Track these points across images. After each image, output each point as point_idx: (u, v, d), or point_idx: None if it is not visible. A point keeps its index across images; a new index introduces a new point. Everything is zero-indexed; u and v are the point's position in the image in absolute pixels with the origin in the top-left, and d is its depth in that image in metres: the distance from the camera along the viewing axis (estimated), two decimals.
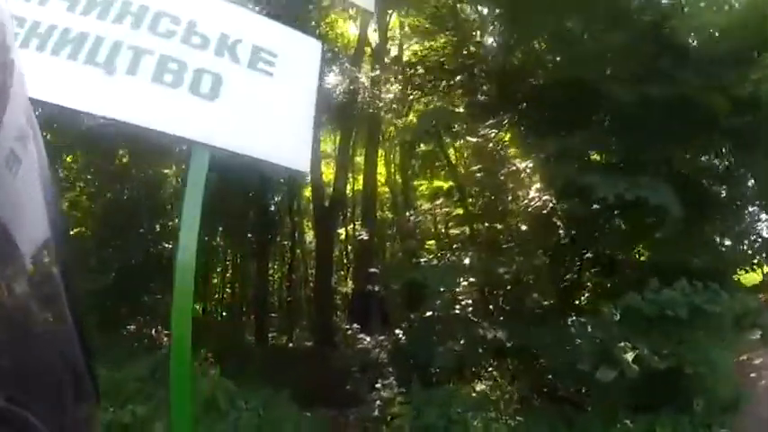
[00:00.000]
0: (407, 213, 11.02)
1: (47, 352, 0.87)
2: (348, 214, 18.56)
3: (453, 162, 10.05)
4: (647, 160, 7.34)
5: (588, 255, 8.08)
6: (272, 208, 18.37)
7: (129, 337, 11.57)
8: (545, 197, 7.77)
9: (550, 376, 7.87)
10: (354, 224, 18.06)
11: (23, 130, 0.80)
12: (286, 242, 18.63)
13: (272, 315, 20.13)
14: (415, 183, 14.86)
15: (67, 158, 12.48)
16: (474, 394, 8.71)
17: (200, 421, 7.48)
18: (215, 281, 18.19)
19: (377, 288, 11.22)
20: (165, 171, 14.52)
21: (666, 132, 7.40)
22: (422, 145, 9.40)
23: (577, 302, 7.96)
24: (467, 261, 8.06)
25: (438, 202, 10.45)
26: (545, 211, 7.92)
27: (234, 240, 17.34)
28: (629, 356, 6.46)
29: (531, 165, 7.93)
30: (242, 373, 10.35)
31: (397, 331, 10.28)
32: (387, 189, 17.19)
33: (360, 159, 16.58)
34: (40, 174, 0.84)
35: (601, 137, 7.45)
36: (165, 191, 14.67)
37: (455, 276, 7.75)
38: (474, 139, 9.35)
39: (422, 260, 10.00)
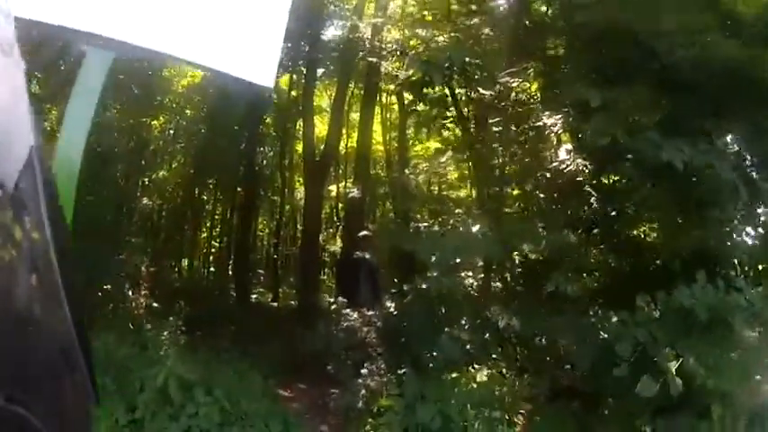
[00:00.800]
0: (405, 170, 9.16)
1: (46, 351, 0.85)
2: (341, 171, 16.87)
3: (465, 114, 8.22)
4: (700, 129, 5.61)
5: (627, 234, 6.41)
6: (264, 162, 16.81)
7: None
8: (578, 160, 6.05)
9: (565, 368, 6.24)
10: (346, 182, 16.33)
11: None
12: (276, 197, 16.95)
13: (260, 271, 18.69)
14: (415, 138, 13.00)
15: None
16: (475, 385, 7.10)
17: (149, 418, 5.87)
18: (203, 235, 16.49)
19: (367, 255, 9.52)
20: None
21: (722, 102, 5.74)
22: (428, 90, 7.57)
23: (607, 291, 6.29)
24: (475, 229, 6.31)
25: (443, 159, 8.65)
26: (578, 179, 6.20)
27: (223, 195, 15.77)
28: (673, 366, 4.83)
29: (561, 121, 6.17)
30: (218, 339, 8.78)
31: (388, 304, 8.62)
32: (382, 148, 15.41)
33: (356, 116, 14.76)
34: (39, 170, 0.81)
35: (649, 96, 5.70)
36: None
37: (459, 248, 6.04)
38: (487, 93, 7.52)
39: (421, 225, 8.23)
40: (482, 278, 6.83)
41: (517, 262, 6.44)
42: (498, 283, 6.84)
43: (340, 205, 17.05)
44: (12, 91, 0.76)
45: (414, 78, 7.08)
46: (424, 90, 7.35)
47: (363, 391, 7.19)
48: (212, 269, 16.26)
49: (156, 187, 13.46)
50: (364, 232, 10.72)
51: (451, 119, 8.08)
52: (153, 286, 11.28)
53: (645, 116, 5.53)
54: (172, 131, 13.75)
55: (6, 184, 0.73)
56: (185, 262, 15.48)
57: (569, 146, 6.34)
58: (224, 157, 14.05)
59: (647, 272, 6.11)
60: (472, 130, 7.94)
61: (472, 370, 7.11)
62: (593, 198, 6.10)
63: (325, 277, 16.76)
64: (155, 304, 10.64)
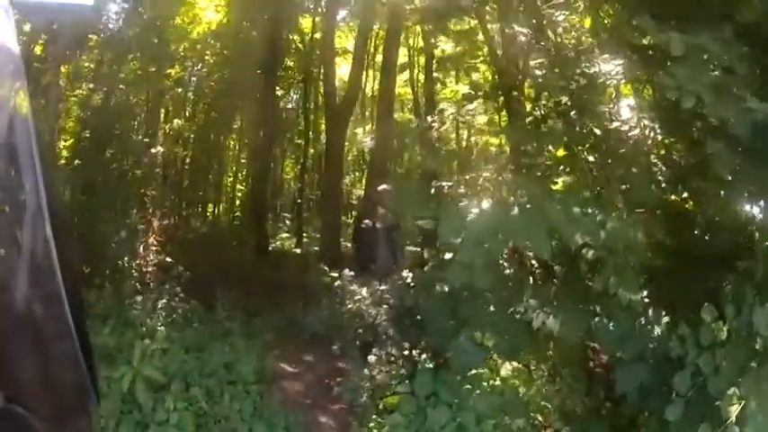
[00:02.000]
0: (429, 118, 7.32)
1: (47, 352, 0.85)
2: (367, 114, 15.12)
3: (498, 53, 6.28)
4: None
5: (704, 225, 4.51)
6: (288, 106, 15.21)
7: None
8: (644, 121, 4.20)
9: (608, 381, 4.60)
10: (373, 125, 14.59)
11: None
12: (300, 141, 15.38)
13: (285, 215, 17.38)
14: (443, 81, 10.96)
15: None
16: (497, 381, 5.58)
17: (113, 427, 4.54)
18: (227, 182, 15.08)
19: (387, 212, 7.94)
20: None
21: None
22: (454, 25, 5.73)
23: (669, 295, 4.48)
24: (515, 209, 4.53)
25: (471, 106, 6.81)
26: (646, 147, 4.33)
27: (245, 140, 14.24)
28: (734, 411, 3.20)
29: (622, 69, 4.26)
30: (222, 302, 7.43)
31: (405, 277, 7.04)
32: (409, 91, 13.54)
33: (380, 59, 12.90)
34: (39, 170, 0.80)
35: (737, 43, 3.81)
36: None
37: (490, 229, 4.33)
38: (526, 29, 5.57)
39: (444, 184, 6.48)
40: (516, 266, 5.14)
41: (561, 255, 4.68)
42: (535, 273, 5.13)
43: (365, 149, 15.42)
44: (11, 89, 0.78)
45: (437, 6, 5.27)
46: (450, 22, 5.52)
47: (369, 383, 5.75)
48: (235, 217, 14.89)
49: (176, 136, 12.05)
50: (384, 186, 9.09)
51: (482, 58, 6.21)
52: (165, 240, 10.02)
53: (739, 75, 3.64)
54: (193, 79, 12.19)
55: (7, 183, 0.75)
56: (208, 210, 14.18)
57: (631, 101, 4.49)
58: (245, 103, 12.60)
59: (721, 277, 4.35)
60: (506, 72, 6.08)
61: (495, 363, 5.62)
62: (661, 173, 4.27)
63: (351, 220, 15.42)
64: (167, 259, 9.44)
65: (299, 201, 15.77)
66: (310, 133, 14.82)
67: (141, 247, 8.56)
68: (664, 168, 4.29)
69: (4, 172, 0.80)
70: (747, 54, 3.74)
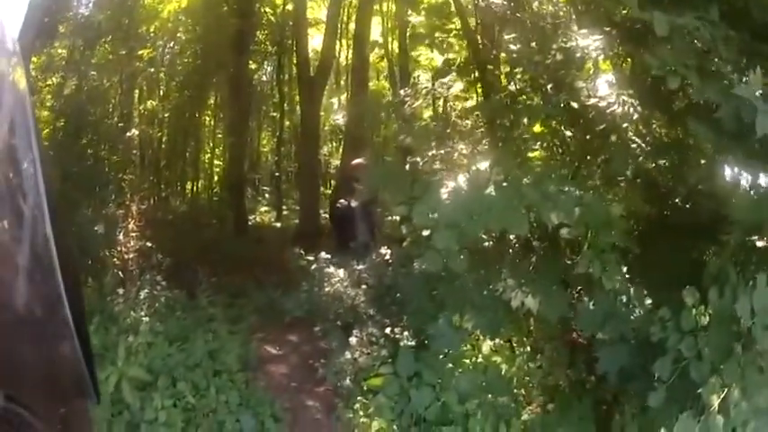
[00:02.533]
0: (402, 92, 7.04)
1: (46, 351, 0.84)
2: (342, 83, 14.73)
3: (471, 26, 5.98)
4: None
5: (686, 206, 4.35)
6: (262, 79, 14.77)
7: None
8: (623, 97, 4.00)
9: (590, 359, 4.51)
10: (349, 94, 14.23)
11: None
12: (276, 114, 14.99)
13: (264, 188, 17.10)
14: (414, 52, 10.58)
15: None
16: (480, 359, 5.49)
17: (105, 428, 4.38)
18: (204, 159, 14.69)
19: (362, 187, 7.70)
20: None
21: None
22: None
23: (651, 276, 4.34)
24: (491, 187, 4.33)
25: (445, 80, 6.56)
26: (624, 125, 4.14)
27: (220, 116, 13.83)
28: (715, 400, 3.12)
29: (600, 44, 4.01)
30: (203, 288, 7.24)
31: (383, 254, 6.87)
32: (382, 60, 13.15)
33: (353, 27, 12.47)
34: (40, 170, 0.80)
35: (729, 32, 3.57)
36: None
37: (466, 211, 4.14)
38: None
39: (419, 160, 6.28)
40: (493, 245, 4.98)
41: (539, 233, 4.53)
42: (513, 251, 4.98)
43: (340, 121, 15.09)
44: (13, 91, 0.78)
45: None
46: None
47: (351, 366, 5.63)
48: (214, 193, 14.57)
49: (150, 117, 11.64)
50: (359, 160, 8.84)
51: (455, 32, 5.94)
52: (145, 224, 9.74)
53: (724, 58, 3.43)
54: (166, 57, 11.71)
55: (8, 183, 0.73)
56: (187, 189, 13.83)
57: (610, 77, 4.26)
58: (218, 78, 12.19)
59: (703, 248, 4.22)
60: (481, 46, 5.82)
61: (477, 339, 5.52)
62: (640, 148, 4.09)
63: (330, 191, 15.22)
64: (148, 243, 9.19)
65: (276, 174, 15.48)
66: (285, 105, 14.44)
67: (121, 234, 8.32)
68: (642, 143, 4.11)
69: (4, 172, 0.80)
70: (734, 37, 3.55)
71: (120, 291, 6.08)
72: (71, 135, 7.74)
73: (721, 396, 3.00)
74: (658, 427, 3.11)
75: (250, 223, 13.24)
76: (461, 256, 4.17)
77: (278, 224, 14.45)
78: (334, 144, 15.95)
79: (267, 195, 16.59)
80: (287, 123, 14.94)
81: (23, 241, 0.81)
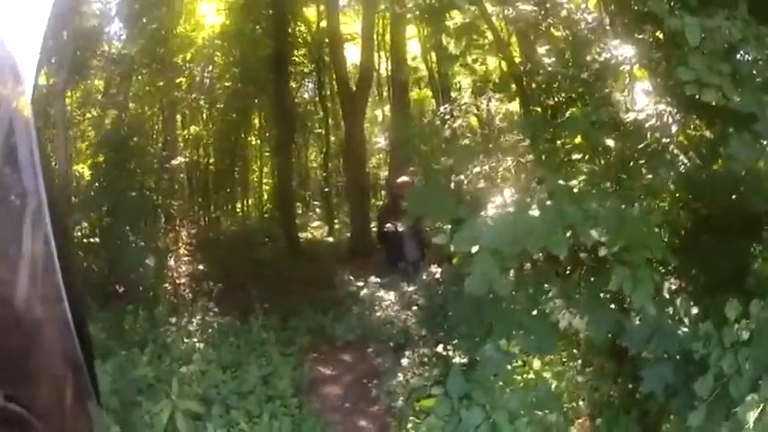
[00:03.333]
0: (443, 108, 7.15)
1: (47, 352, 0.86)
2: (383, 96, 14.96)
3: (505, 40, 6.03)
4: None
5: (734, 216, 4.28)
6: (306, 96, 15.18)
7: None
8: (662, 106, 3.98)
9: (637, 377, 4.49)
10: (390, 105, 14.40)
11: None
12: (321, 130, 15.37)
13: (315, 203, 17.48)
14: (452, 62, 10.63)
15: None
16: (531, 375, 5.55)
17: None
18: (255, 175, 15.19)
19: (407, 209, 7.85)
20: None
21: None
22: (455, 16, 5.51)
23: (696, 287, 4.30)
24: (534, 207, 4.40)
25: (483, 97, 6.65)
26: (664, 139, 4.13)
27: (265, 137, 14.30)
28: (751, 417, 3.08)
29: (636, 55, 4.06)
30: (255, 311, 7.53)
31: (434, 273, 6.98)
32: (425, 68, 13.29)
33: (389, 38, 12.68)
34: (40, 170, 0.81)
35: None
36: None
37: (508, 237, 4.21)
38: (529, 8, 5.33)
39: (464, 178, 6.38)
40: (537, 265, 5.04)
41: (582, 251, 4.56)
42: (558, 271, 5.02)
43: (386, 132, 15.32)
44: (13, 93, 0.78)
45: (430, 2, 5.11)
46: (447, 16, 5.36)
47: (403, 388, 5.79)
48: (264, 211, 15.02)
49: (195, 142, 12.16)
50: (404, 178, 9.01)
51: (487, 46, 6.02)
52: (195, 248, 10.17)
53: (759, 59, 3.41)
54: (205, 83, 12.22)
55: (8, 184, 0.75)
56: (237, 209, 14.33)
57: (647, 85, 4.27)
58: (260, 99, 12.64)
59: (748, 247, 4.16)
60: (516, 60, 5.89)
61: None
62: (681, 162, 4.08)
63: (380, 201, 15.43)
64: (200, 267, 9.59)
65: (326, 189, 15.83)
66: (330, 120, 14.79)
67: (172, 260, 8.72)
68: (683, 154, 4.10)
69: (4, 172, 0.81)
70: (765, 33, 3.53)
71: (173, 319, 6.45)
72: (114, 167, 8.02)
73: (756, 413, 2.99)
74: None
75: (302, 239, 13.60)
76: (505, 279, 4.27)
77: (330, 239, 14.74)
78: (382, 156, 16.15)
79: (318, 210, 16.94)
80: (332, 138, 15.26)
81: (23, 241, 0.83)
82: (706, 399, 3.26)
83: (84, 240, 7.68)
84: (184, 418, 4.69)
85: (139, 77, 9.50)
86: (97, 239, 7.74)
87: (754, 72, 3.39)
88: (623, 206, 4.15)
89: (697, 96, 3.35)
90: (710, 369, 3.30)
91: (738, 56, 3.36)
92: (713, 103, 3.45)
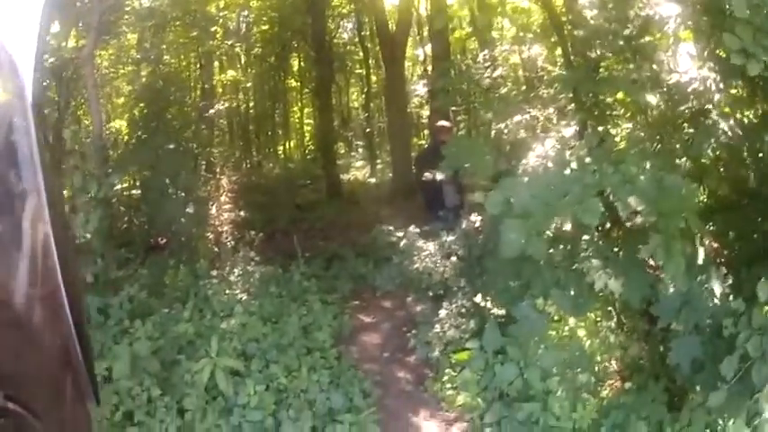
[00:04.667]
0: (481, 57, 6.93)
1: (46, 352, 0.87)
2: (424, 36, 14.56)
3: None
4: None
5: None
6: (345, 36, 14.93)
7: None
8: (706, 73, 3.78)
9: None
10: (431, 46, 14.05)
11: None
12: (362, 70, 15.18)
13: (358, 143, 17.48)
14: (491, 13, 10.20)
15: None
16: (566, 332, 5.62)
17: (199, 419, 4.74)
18: (296, 118, 15.20)
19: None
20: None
21: None
22: None
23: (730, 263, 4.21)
24: (572, 165, 4.34)
25: (525, 46, 6.39)
26: (707, 105, 3.91)
27: (308, 75, 14.19)
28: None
29: (680, 15, 3.79)
30: (295, 258, 7.73)
31: (473, 222, 6.95)
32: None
33: None
34: (40, 171, 0.82)
35: None
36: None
37: (542, 201, 4.16)
38: None
39: (504, 130, 6.28)
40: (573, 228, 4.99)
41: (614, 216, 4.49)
42: (594, 234, 4.96)
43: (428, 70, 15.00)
44: (13, 92, 0.78)
45: None
46: None
47: (439, 340, 5.95)
48: (307, 152, 15.12)
49: (233, 87, 12.17)
50: (444, 123, 8.91)
51: None
52: (238, 194, 10.38)
53: None
54: (242, 30, 12.09)
55: (9, 184, 0.75)
56: (279, 152, 14.47)
57: (692, 48, 4.06)
58: (297, 42, 12.49)
59: None
60: (558, 10, 5.64)
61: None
62: (723, 132, 3.91)
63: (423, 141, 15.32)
64: (242, 213, 9.79)
65: (368, 129, 15.80)
66: (370, 61, 14.57)
67: (214, 208, 8.92)
68: (725, 124, 3.93)
69: (4, 172, 0.81)
70: None
71: (214, 272, 6.59)
72: (152, 119, 8.00)
73: None
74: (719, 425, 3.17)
75: (345, 181, 13.72)
76: (538, 242, 4.26)
77: (372, 180, 14.83)
78: (424, 96, 15.93)
79: (360, 151, 16.98)
80: (374, 79, 15.08)
81: (23, 241, 0.83)
82: (729, 380, 3.27)
83: (124, 195, 7.80)
84: (225, 376, 4.85)
85: (173, 30, 9.43)
86: (138, 193, 7.89)
87: None
88: (662, 172, 4.05)
89: (742, 66, 3.20)
90: (737, 350, 3.29)
91: None
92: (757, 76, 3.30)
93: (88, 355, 0.99)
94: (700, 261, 3.87)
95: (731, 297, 3.78)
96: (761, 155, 3.75)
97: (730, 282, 3.98)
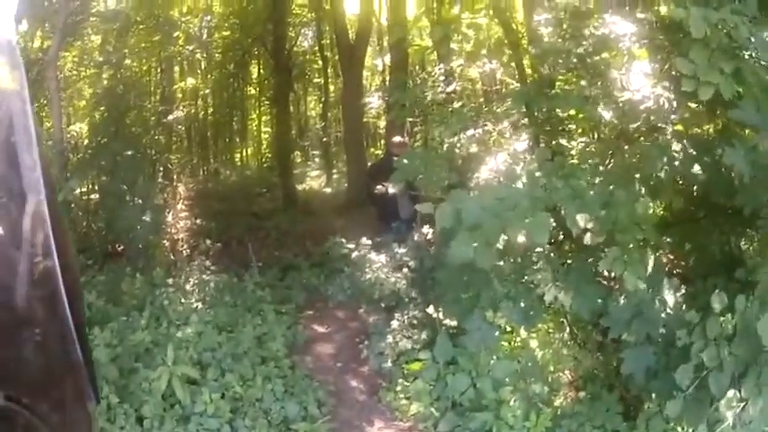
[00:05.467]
0: (438, 69, 6.91)
1: (47, 352, 0.84)
2: (384, 46, 14.54)
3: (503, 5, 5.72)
4: None
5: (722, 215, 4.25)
6: (305, 44, 14.77)
7: None
8: (660, 91, 3.82)
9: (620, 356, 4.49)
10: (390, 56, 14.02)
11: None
12: (320, 80, 15.04)
13: (314, 153, 17.32)
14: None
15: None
16: (518, 343, 5.60)
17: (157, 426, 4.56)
18: (254, 126, 14.92)
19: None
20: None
21: None
22: None
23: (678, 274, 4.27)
24: (522, 179, 4.33)
25: (481, 61, 6.40)
26: (659, 124, 3.96)
27: (263, 87, 13.96)
28: (730, 415, 3.10)
29: (635, 35, 3.86)
30: (250, 266, 7.57)
31: (425, 234, 6.89)
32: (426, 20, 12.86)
33: None
34: (41, 171, 0.83)
35: None
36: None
37: (492, 212, 4.09)
38: None
39: (457, 142, 6.25)
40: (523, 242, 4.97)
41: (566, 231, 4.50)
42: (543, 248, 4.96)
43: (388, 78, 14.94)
44: (13, 92, 0.77)
45: None
46: None
47: (392, 350, 5.86)
48: (263, 160, 14.86)
49: (193, 94, 11.89)
50: (398, 138, 8.86)
51: (484, 12, 5.78)
52: (194, 202, 10.12)
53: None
54: (203, 35, 11.83)
55: (9, 185, 0.74)
56: (236, 160, 14.19)
57: (646, 66, 4.09)
58: (257, 49, 12.28)
59: (740, 234, 4.10)
60: (512, 29, 5.65)
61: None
62: (678, 154, 3.95)
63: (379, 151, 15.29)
64: (198, 221, 9.56)
65: (324, 139, 15.65)
66: (329, 70, 14.44)
67: (170, 215, 8.68)
68: (678, 143, 3.96)
69: (4, 172, 0.81)
70: None
71: (170, 280, 6.43)
72: (111, 124, 7.82)
73: (737, 411, 3.00)
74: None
75: (301, 190, 13.53)
76: (487, 254, 4.19)
77: (328, 189, 14.70)
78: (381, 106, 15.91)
79: (317, 160, 16.83)
80: (331, 88, 14.96)
81: (24, 243, 0.84)
82: (686, 389, 3.26)
83: (83, 199, 7.57)
84: (181, 384, 4.73)
85: (136, 33, 9.17)
86: (96, 198, 7.65)
87: (759, 74, 3.21)
88: (612, 187, 4.04)
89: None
90: (692, 359, 3.29)
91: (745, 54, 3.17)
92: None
93: (88, 355, 1.01)
94: (650, 272, 3.86)
95: (684, 308, 3.78)
96: (717, 169, 3.77)
97: (683, 292, 4.00)
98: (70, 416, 0.97)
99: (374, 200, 7.82)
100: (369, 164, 12.16)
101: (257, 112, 14.54)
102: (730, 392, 3.08)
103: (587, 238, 3.89)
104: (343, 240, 7.18)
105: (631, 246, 3.85)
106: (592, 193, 4.04)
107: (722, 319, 3.35)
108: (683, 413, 3.28)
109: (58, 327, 0.93)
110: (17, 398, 0.84)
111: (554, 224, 4.08)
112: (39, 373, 0.91)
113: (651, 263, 4.00)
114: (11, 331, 0.85)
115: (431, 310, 6.06)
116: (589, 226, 3.94)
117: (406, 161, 5.74)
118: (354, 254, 6.66)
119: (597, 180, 4.24)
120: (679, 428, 3.38)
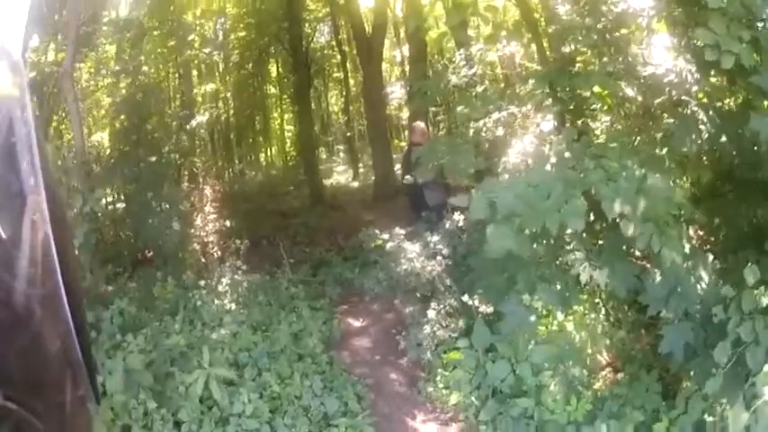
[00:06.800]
0: (458, 55, 6.90)
1: (46, 352, 0.87)
2: (401, 37, 14.55)
3: None
4: None
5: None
6: (322, 40, 14.87)
7: None
8: (682, 64, 3.81)
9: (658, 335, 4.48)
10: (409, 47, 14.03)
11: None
12: (339, 74, 15.13)
13: (339, 147, 17.44)
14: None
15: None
16: (555, 327, 5.61)
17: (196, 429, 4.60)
18: (277, 125, 15.07)
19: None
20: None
21: None
22: None
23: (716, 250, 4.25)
24: (552, 162, 4.34)
25: (500, 45, 6.38)
26: (683, 96, 3.98)
27: (286, 81, 14.08)
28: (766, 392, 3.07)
29: (654, 8, 3.89)
30: (282, 265, 7.68)
31: (457, 221, 6.90)
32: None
33: None
34: (41, 171, 0.82)
35: None
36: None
37: (522, 203, 4.11)
38: None
39: (483, 130, 6.26)
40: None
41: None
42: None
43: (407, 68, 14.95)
44: (13, 94, 0.78)
45: None
46: None
47: (430, 340, 5.91)
48: (288, 160, 14.99)
49: (212, 97, 12.06)
50: (416, 124, 8.88)
51: None
52: (222, 204, 10.25)
53: None
54: (219, 37, 11.98)
55: (9, 185, 0.75)
56: (261, 160, 14.36)
57: (666, 40, 4.07)
58: (275, 47, 12.40)
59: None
60: (531, 7, 5.64)
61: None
62: (703, 123, 3.92)
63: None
64: (226, 222, 9.70)
65: (348, 133, 15.74)
66: (348, 64, 14.51)
67: (198, 219, 8.81)
68: (704, 114, 3.93)
69: (4, 172, 0.81)
70: None
71: (202, 282, 6.48)
72: (132, 132, 7.88)
73: None
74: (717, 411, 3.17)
75: (327, 185, 13.64)
76: (523, 240, 4.22)
77: (355, 183, 14.76)
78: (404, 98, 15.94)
79: (342, 155, 16.92)
80: (351, 82, 15.03)
81: (23, 241, 0.83)
82: (723, 366, 3.26)
83: (109, 208, 7.74)
84: (218, 386, 4.81)
85: (151, 40, 9.33)
86: (122, 207, 7.83)
87: None
88: (644, 170, 4.02)
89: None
90: (729, 335, 3.29)
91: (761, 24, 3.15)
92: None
93: (88, 355, 0.99)
94: (686, 249, 3.86)
95: (720, 283, 3.77)
96: (742, 142, 3.74)
97: (718, 268, 3.98)
98: (70, 416, 0.94)
99: (406, 188, 7.87)
100: (394, 156, 12.23)
101: (279, 110, 14.70)
102: (766, 367, 3.06)
103: (622, 224, 3.89)
104: (376, 231, 7.24)
105: (667, 222, 3.85)
106: (624, 174, 4.04)
107: (755, 292, 3.33)
108: (723, 391, 3.28)
109: (58, 327, 0.90)
110: (16, 398, 0.80)
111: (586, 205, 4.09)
112: (39, 374, 0.88)
113: (683, 238, 4.00)
114: (10, 331, 0.82)
115: (466, 297, 6.08)
116: (625, 211, 3.94)
117: (428, 148, 5.80)
118: (388, 245, 6.70)
119: (629, 162, 4.22)
120: (718, 406, 3.36)
